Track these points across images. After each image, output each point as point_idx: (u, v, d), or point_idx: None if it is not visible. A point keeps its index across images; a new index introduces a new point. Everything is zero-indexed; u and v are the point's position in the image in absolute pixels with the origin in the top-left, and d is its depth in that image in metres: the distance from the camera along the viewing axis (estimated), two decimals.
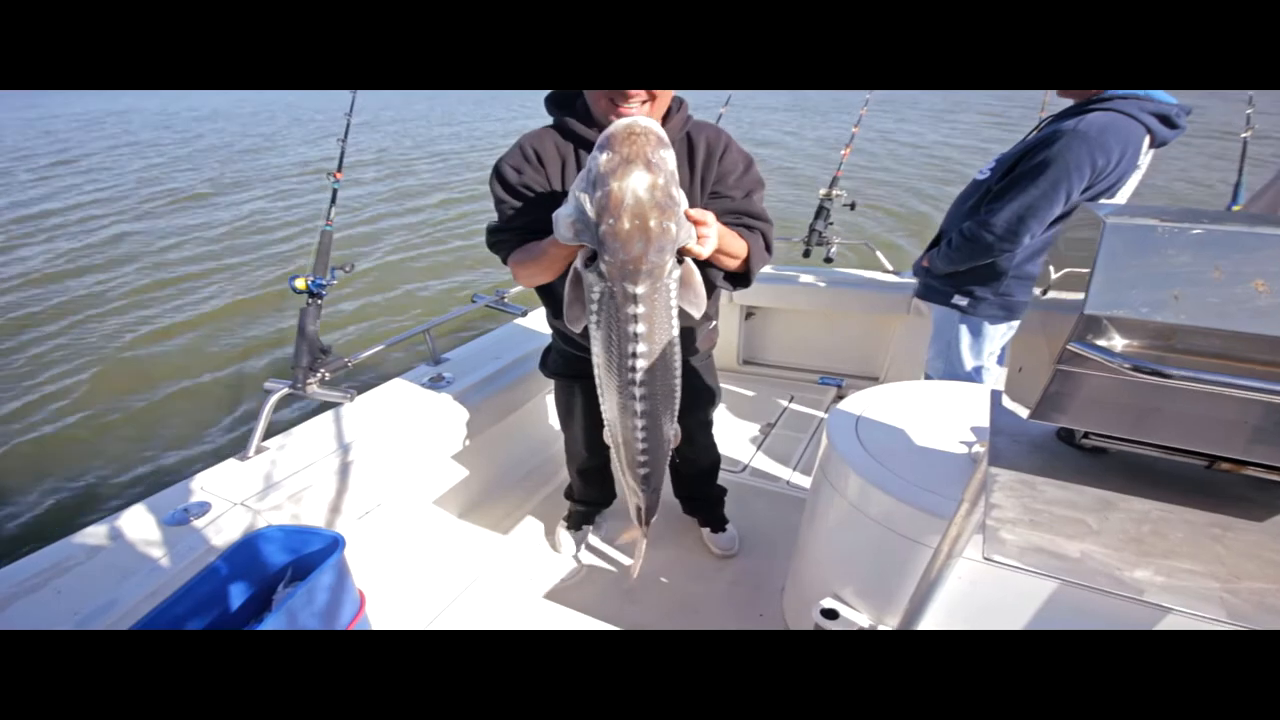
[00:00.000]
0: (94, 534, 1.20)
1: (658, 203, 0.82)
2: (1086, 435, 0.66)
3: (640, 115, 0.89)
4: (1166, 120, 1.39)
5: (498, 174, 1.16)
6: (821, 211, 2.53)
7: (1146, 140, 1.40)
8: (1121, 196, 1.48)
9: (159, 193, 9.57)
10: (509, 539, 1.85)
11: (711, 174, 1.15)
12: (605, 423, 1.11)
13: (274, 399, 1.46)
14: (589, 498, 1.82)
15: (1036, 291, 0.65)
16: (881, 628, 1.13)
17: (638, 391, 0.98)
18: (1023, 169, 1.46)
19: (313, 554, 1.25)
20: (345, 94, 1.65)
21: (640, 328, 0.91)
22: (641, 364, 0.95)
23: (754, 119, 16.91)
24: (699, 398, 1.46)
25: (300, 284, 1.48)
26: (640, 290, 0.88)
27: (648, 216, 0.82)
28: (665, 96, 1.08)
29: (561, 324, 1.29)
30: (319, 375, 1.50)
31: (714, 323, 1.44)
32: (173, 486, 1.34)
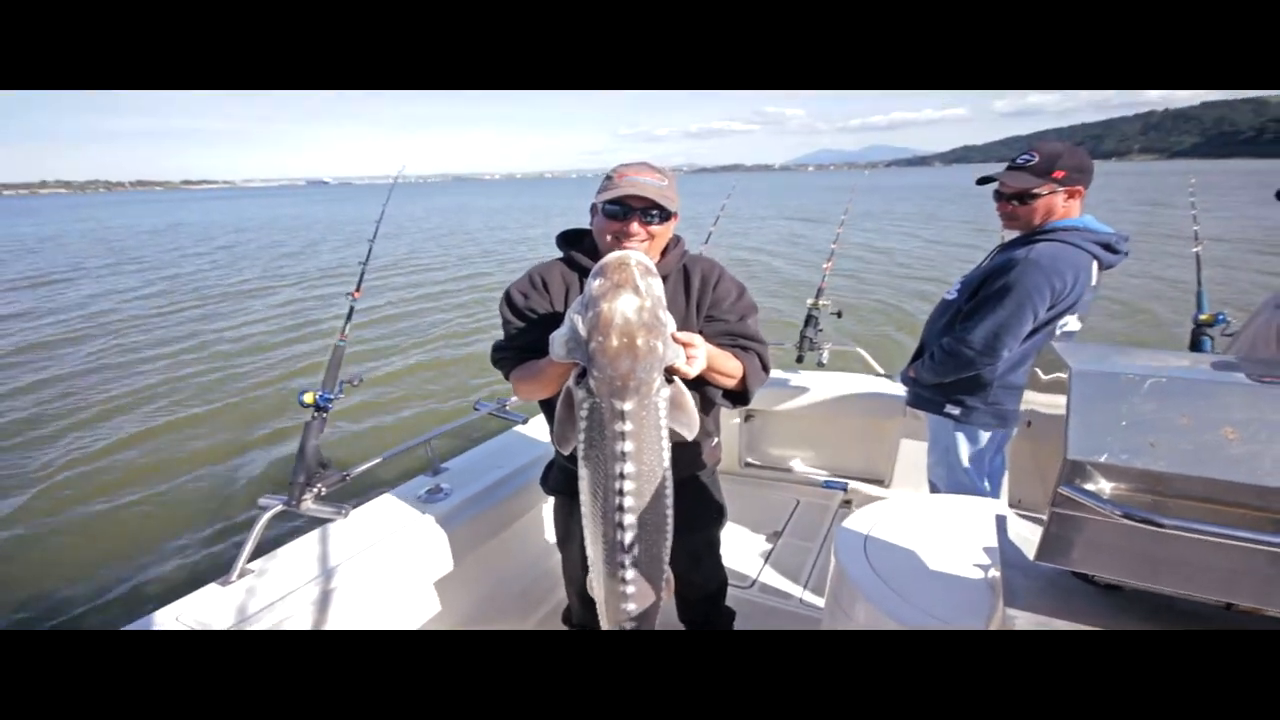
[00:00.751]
0: None
1: (645, 323, 0.88)
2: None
3: (635, 249, 0.98)
4: (1108, 247, 1.55)
5: (507, 297, 1.26)
6: (810, 319, 2.64)
7: (1095, 265, 1.54)
8: (1080, 313, 1.59)
9: (182, 296, 9.97)
10: None
11: (706, 300, 1.23)
12: (589, 565, 1.05)
13: (266, 516, 1.43)
14: (588, 623, 1.71)
15: (1021, 423, 0.68)
16: None
17: (625, 519, 0.94)
18: (987, 292, 1.59)
19: None
20: (373, 211, 1.78)
21: (629, 446, 0.91)
22: (629, 486, 0.92)
23: (745, 228, 18.09)
24: (705, 515, 1.43)
25: (309, 398, 1.51)
26: (628, 407, 0.89)
27: (635, 335, 0.87)
28: (664, 234, 1.19)
29: None
30: (315, 490, 1.48)
31: (716, 439, 1.44)
32: (147, 616, 1.27)
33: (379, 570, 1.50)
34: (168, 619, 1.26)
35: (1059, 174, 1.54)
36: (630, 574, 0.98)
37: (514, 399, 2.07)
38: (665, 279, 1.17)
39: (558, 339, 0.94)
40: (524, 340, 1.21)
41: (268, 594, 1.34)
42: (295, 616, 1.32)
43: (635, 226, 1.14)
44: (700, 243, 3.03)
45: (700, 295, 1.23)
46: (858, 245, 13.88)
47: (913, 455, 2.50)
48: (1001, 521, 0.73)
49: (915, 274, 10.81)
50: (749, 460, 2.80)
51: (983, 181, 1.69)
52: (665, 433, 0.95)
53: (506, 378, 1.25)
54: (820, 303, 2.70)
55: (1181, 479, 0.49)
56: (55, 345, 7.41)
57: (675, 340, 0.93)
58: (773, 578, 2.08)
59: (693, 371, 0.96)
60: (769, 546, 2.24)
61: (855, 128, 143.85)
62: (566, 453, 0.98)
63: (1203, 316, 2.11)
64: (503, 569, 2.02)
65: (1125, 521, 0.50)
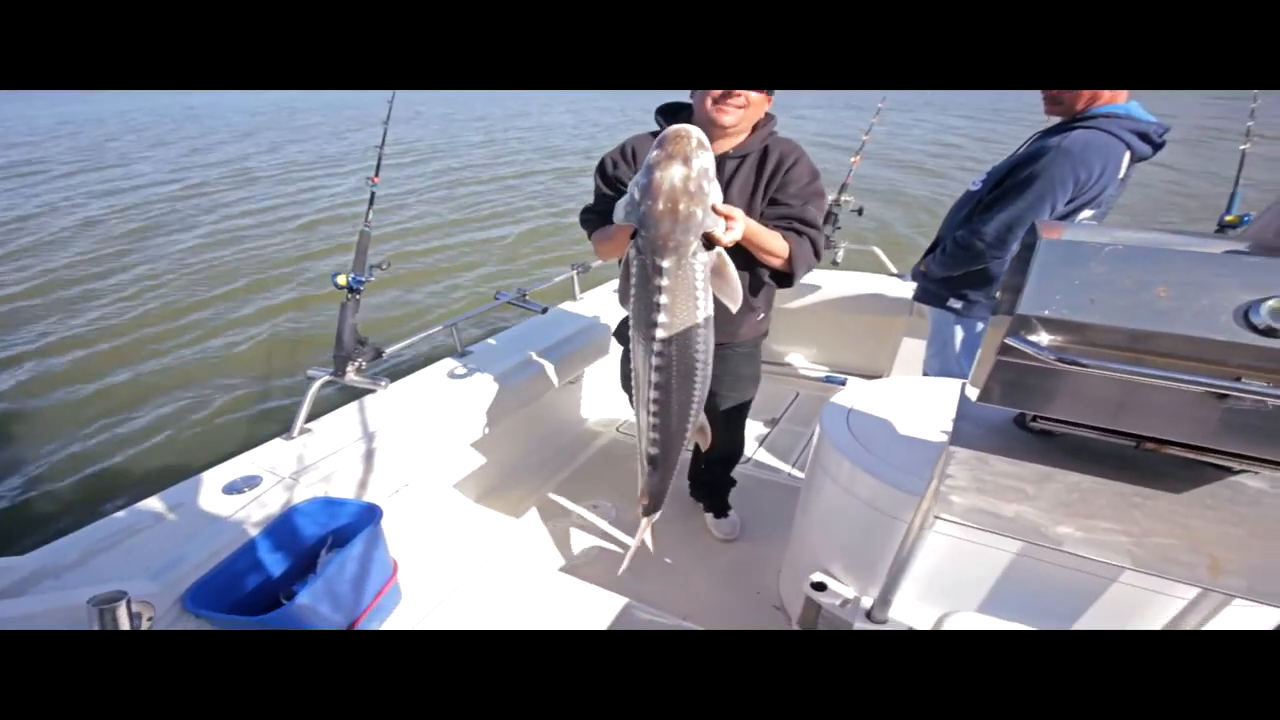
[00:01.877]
0: (162, 500, 1.34)
1: (688, 190, 0.96)
2: (1035, 419, 0.77)
3: (730, 113, 1.20)
4: (1145, 137, 1.48)
5: (600, 166, 1.38)
6: (830, 216, 2.62)
7: (1127, 156, 1.49)
8: (1104, 206, 1.57)
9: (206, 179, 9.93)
10: (521, 522, 1.97)
11: (777, 181, 1.31)
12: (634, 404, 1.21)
13: (316, 385, 1.60)
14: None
15: (998, 295, 0.75)
16: (864, 598, 1.23)
17: (655, 361, 1.08)
18: (1011, 182, 1.56)
19: (352, 523, 1.38)
20: (383, 94, 1.80)
21: (664, 299, 1.03)
22: (660, 334, 1.05)
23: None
24: (739, 383, 1.59)
25: (341, 280, 1.61)
26: (666, 264, 1.00)
27: (678, 200, 0.96)
28: (759, 105, 1.27)
29: None
30: (356, 364, 1.64)
31: (761, 314, 1.53)
32: (228, 461, 1.48)
33: (418, 433, 1.70)
34: (245, 465, 1.47)
35: None
36: (655, 409, 1.14)
37: (534, 289, 2.21)
38: (746, 156, 1.32)
39: (621, 204, 1.04)
40: (606, 206, 1.30)
41: (324, 449, 1.54)
42: (351, 465, 1.52)
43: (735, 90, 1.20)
44: None
45: (772, 176, 1.31)
46: (894, 134, 13.02)
47: (914, 353, 2.59)
48: (963, 385, 0.84)
49: (953, 167, 10.23)
50: None
51: None
52: (702, 294, 1.05)
53: (589, 237, 1.40)
54: (843, 199, 2.66)
55: (1105, 329, 0.58)
56: (84, 231, 7.55)
57: (716, 211, 1.01)
58: (766, 456, 2.28)
59: (728, 240, 1.05)
60: (766, 431, 2.43)
61: None
62: (625, 307, 1.11)
63: (1229, 217, 2.06)
64: (526, 439, 2.24)
65: (1056, 365, 0.59)
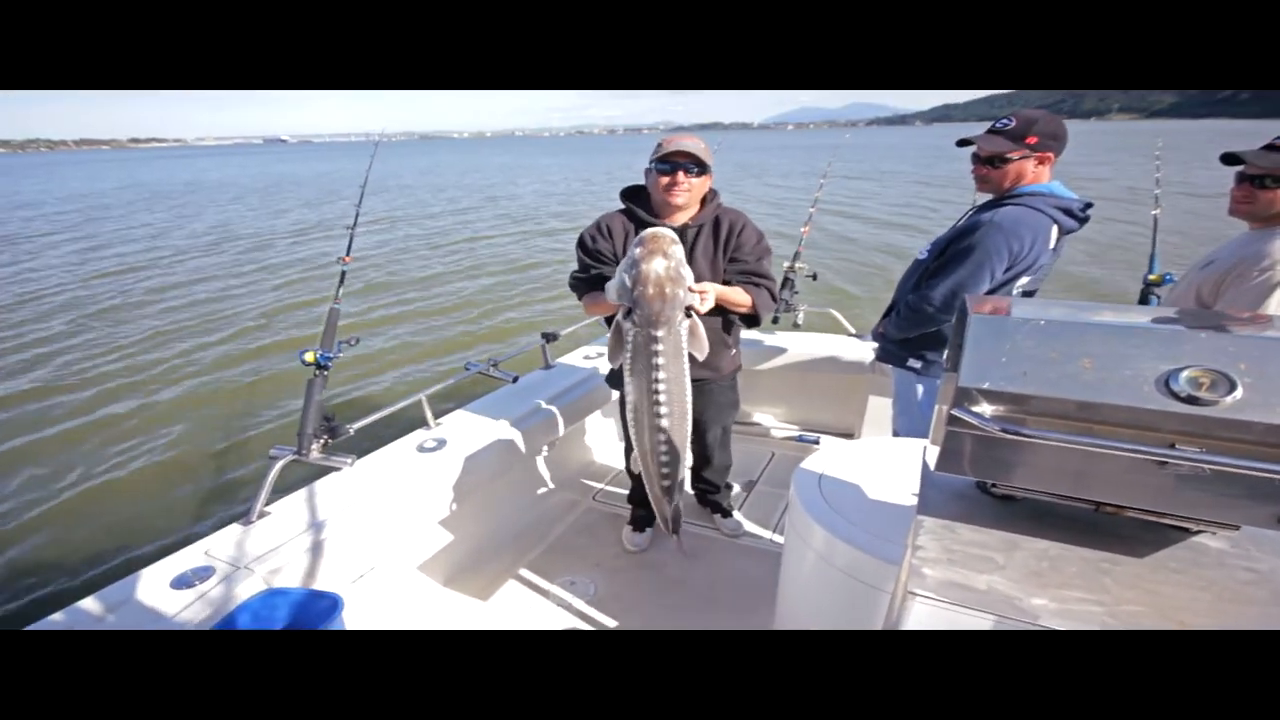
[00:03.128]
0: (103, 597, 1.24)
1: (670, 277, 1.24)
2: (995, 485, 0.79)
3: (680, 196, 1.56)
4: (1069, 212, 1.64)
5: (580, 241, 1.70)
6: (787, 282, 2.74)
7: (1054, 229, 1.63)
8: (1040, 274, 1.70)
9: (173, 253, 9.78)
10: (490, 605, 1.87)
11: (731, 245, 1.66)
12: (634, 445, 1.42)
13: (278, 466, 1.54)
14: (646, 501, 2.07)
15: (944, 368, 0.80)
16: None
17: (661, 410, 1.33)
18: (952, 251, 1.69)
19: (311, 616, 1.29)
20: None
21: (661, 360, 1.29)
22: (662, 387, 1.31)
23: (728, 184, 17.91)
24: (722, 410, 1.95)
25: (309, 357, 1.59)
26: (660, 333, 1.27)
27: (664, 285, 1.24)
28: (702, 185, 1.61)
29: None
30: (322, 441, 1.59)
31: (733, 350, 1.89)
32: (179, 551, 1.39)
33: (384, 512, 1.63)
34: (198, 555, 1.38)
35: (1032, 139, 1.61)
36: (665, 448, 1.38)
37: (504, 358, 2.21)
38: (702, 226, 1.66)
39: (611, 288, 1.32)
40: (589, 275, 1.66)
41: (283, 534, 1.47)
42: (313, 550, 1.45)
43: (680, 177, 1.55)
44: None
45: (727, 240, 1.65)
46: (837, 205, 13.90)
47: (881, 410, 2.66)
48: (925, 449, 0.86)
49: (892, 235, 10.90)
50: None
51: (962, 144, 1.76)
52: (685, 352, 1.31)
53: (579, 299, 1.72)
54: (797, 265, 2.81)
55: (1043, 400, 0.62)
56: (33, 308, 7.28)
57: (691, 289, 1.29)
58: (746, 522, 2.25)
59: (704, 309, 1.35)
60: (744, 494, 2.41)
61: None
62: (615, 366, 1.37)
63: (1151, 276, 2.26)
64: (498, 513, 2.17)
65: (1001, 435, 0.63)
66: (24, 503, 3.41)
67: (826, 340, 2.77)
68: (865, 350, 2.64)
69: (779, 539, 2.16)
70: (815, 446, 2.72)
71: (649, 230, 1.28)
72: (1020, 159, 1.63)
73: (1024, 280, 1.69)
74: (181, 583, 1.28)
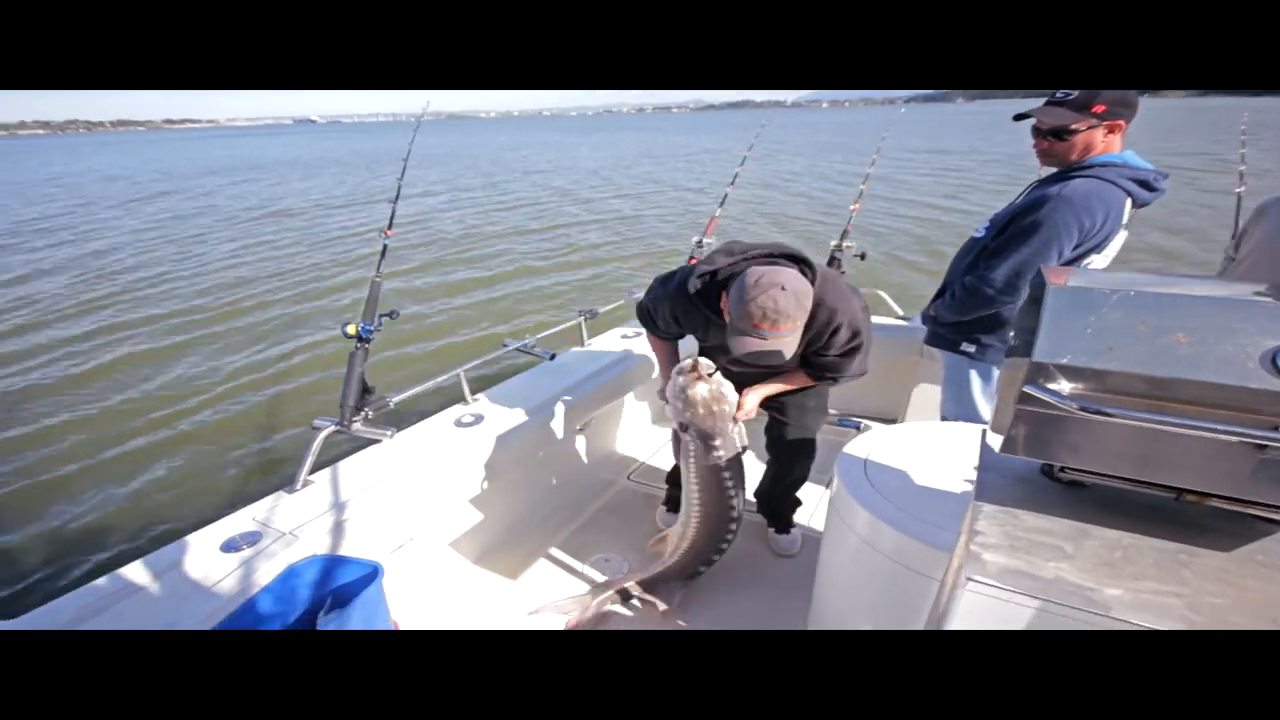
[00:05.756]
0: (154, 560, 1.31)
1: (714, 398, 1.48)
2: (1063, 469, 0.73)
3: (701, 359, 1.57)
4: (1145, 184, 1.49)
5: (642, 313, 1.75)
6: (834, 261, 2.64)
7: (1128, 202, 1.50)
8: (1110, 252, 1.56)
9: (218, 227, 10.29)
10: (520, 583, 1.89)
11: (822, 341, 1.51)
12: (693, 519, 1.66)
13: (321, 436, 1.59)
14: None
15: (1010, 342, 0.74)
16: None
17: (730, 495, 1.61)
18: (1015, 229, 1.57)
19: (353, 582, 1.33)
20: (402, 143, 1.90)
21: (721, 455, 1.54)
22: (729, 482, 1.60)
23: (777, 167, 17.49)
24: (805, 414, 1.85)
25: (351, 329, 1.63)
26: (717, 441, 1.53)
27: (711, 407, 1.48)
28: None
29: None
30: (363, 414, 1.63)
31: (815, 409, 1.86)
32: (227, 517, 1.45)
33: (422, 486, 1.66)
34: (246, 520, 1.44)
35: (1099, 107, 1.48)
36: (734, 526, 1.69)
37: (541, 334, 2.22)
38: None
39: (669, 407, 1.56)
40: (662, 330, 1.73)
41: (326, 502, 1.51)
42: (355, 519, 1.48)
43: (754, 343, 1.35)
44: (726, 183, 3.02)
45: (817, 334, 1.50)
46: (888, 183, 13.38)
47: (928, 396, 2.55)
48: (984, 432, 0.80)
49: (947, 213, 10.41)
50: None
51: (1019, 118, 1.63)
52: (738, 443, 1.56)
53: (647, 334, 1.82)
54: (845, 244, 2.70)
55: (1131, 376, 0.55)
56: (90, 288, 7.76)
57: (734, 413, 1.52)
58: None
59: (744, 419, 1.58)
60: None
61: None
62: (677, 462, 1.66)
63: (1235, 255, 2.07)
64: (532, 490, 2.19)
65: (1080, 414, 0.57)
66: (76, 471, 3.62)
67: (873, 322, 2.66)
68: (913, 333, 2.52)
69: (816, 521, 2.10)
70: (857, 433, 2.63)
71: (688, 361, 1.50)
72: (1088, 129, 1.49)
73: (1093, 259, 1.56)
74: (230, 546, 1.33)
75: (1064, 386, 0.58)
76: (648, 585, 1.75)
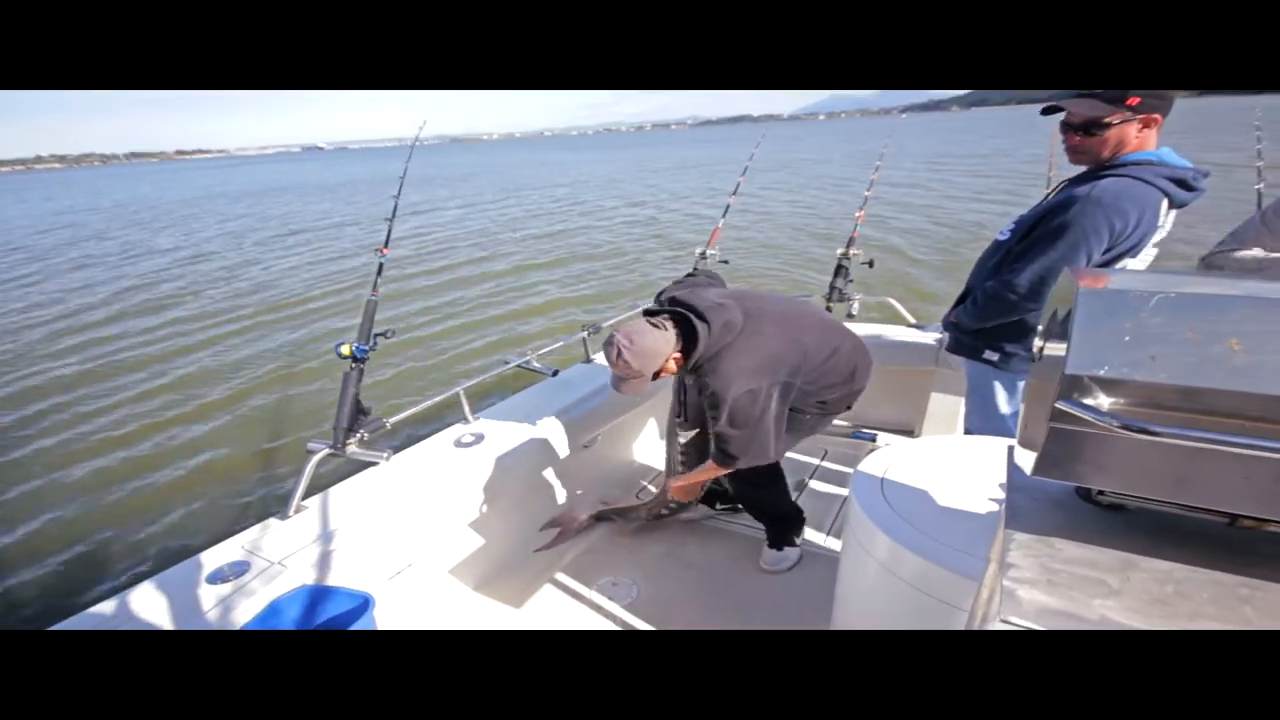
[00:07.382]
0: (142, 592, 1.26)
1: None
2: (1101, 492, 0.66)
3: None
4: (1182, 183, 1.39)
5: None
6: (840, 270, 2.58)
7: (1165, 203, 1.40)
8: (1145, 257, 1.47)
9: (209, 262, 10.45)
10: (522, 612, 1.81)
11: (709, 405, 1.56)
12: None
13: (314, 460, 1.54)
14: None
15: (1035, 351, 0.67)
16: None
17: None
18: (1041, 232, 1.48)
19: (342, 615, 1.27)
20: (397, 167, 1.89)
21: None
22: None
23: (772, 179, 17.49)
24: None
25: (345, 350, 1.59)
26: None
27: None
28: (655, 369, 1.54)
29: None
30: (358, 436, 1.58)
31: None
32: (215, 546, 1.40)
33: (420, 510, 1.61)
34: (235, 550, 1.39)
35: (1134, 100, 1.37)
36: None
37: (542, 350, 2.17)
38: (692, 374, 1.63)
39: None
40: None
41: (319, 529, 1.46)
42: (349, 546, 1.43)
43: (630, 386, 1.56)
44: (729, 192, 2.98)
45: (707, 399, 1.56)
46: (896, 190, 13.30)
47: (944, 407, 2.46)
48: (1011, 449, 0.73)
49: (953, 219, 10.29)
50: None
51: (1048, 111, 1.51)
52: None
53: None
54: (851, 252, 2.64)
55: (1178, 390, 0.49)
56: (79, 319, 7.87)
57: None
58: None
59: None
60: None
61: None
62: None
63: None
64: (535, 512, 2.12)
65: (1122, 433, 0.50)
66: (62, 497, 3.59)
67: (885, 331, 2.59)
68: (928, 341, 2.44)
69: (833, 542, 2.01)
70: (872, 444, 2.54)
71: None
72: (1121, 123, 1.39)
73: (1126, 264, 1.45)
74: (217, 578, 1.29)
75: (1102, 401, 0.52)
76: (619, 511, 2.12)
